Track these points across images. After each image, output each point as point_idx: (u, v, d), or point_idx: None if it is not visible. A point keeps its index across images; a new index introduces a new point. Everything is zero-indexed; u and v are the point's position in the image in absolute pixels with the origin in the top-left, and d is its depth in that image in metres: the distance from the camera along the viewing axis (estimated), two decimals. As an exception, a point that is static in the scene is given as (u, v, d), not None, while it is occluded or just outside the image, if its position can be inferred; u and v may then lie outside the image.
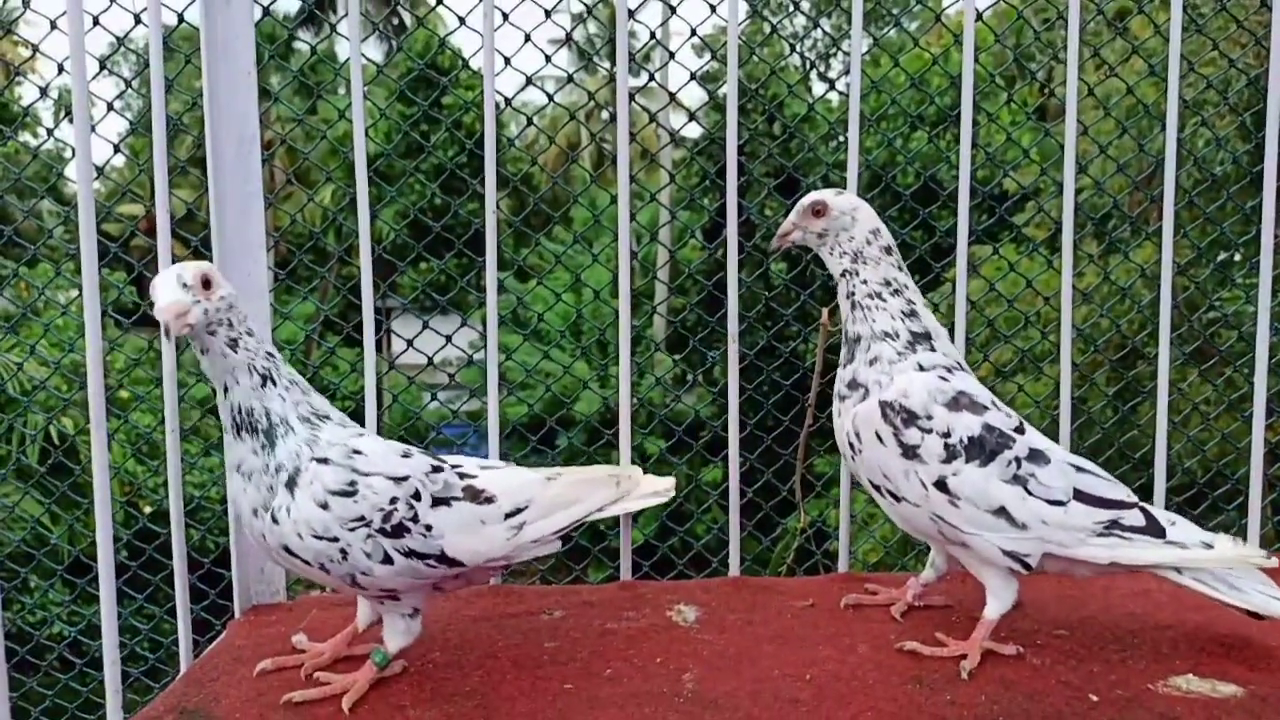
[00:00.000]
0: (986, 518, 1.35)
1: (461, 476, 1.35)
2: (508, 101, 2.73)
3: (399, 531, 1.26)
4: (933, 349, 1.44)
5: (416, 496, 1.29)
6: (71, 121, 1.59)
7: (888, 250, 1.46)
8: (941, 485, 1.36)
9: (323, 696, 1.31)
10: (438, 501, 1.30)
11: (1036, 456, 1.37)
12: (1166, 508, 1.98)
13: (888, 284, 1.45)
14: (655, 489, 1.56)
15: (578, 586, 1.82)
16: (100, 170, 2.18)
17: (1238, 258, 4.04)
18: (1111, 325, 3.61)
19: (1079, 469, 1.39)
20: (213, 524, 3.17)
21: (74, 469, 3.12)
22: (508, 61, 2.48)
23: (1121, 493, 1.39)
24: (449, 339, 2.85)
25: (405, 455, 1.33)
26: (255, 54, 1.67)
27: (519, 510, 1.36)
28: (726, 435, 1.91)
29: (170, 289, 1.20)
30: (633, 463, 1.82)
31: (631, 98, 1.86)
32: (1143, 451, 2.86)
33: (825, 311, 2.12)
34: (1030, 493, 1.35)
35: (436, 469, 1.33)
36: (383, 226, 4.18)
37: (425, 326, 2.82)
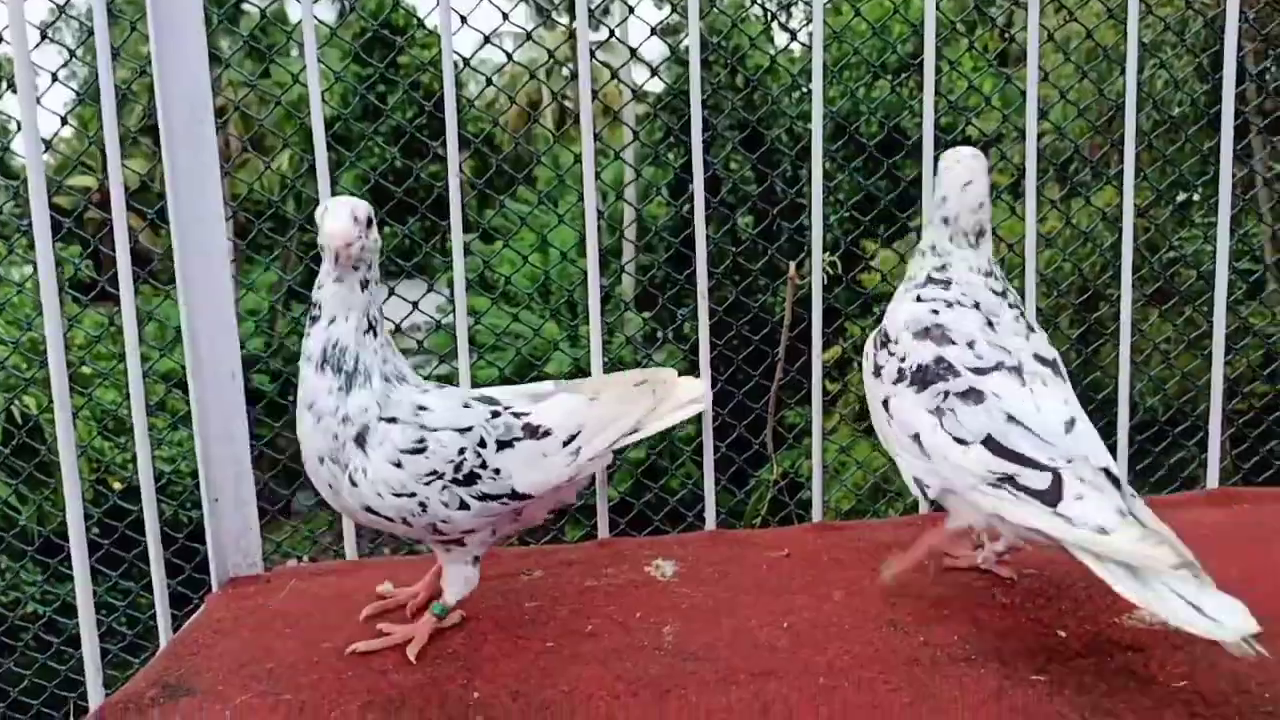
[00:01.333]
0: (907, 441, 1.38)
1: (517, 416, 1.39)
2: (465, 61, 2.68)
3: (471, 479, 1.32)
4: (946, 286, 1.47)
5: (482, 444, 1.34)
6: (15, 92, 1.54)
7: (945, 221, 1.48)
8: (885, 404, 1.42)
9: (384, 647, 1.36)
10: (502, 445, 1.35)
11: (970, 394, 1.33)
12: (1130, 446, 2.03)
13: (933, 247, 1.50)
14: (691, 396, 1.55)
15: (556, 546, 1.83)
16: (48, 143, 2.12)
17: (1196, 198, 4.11)
18: (1074, 269, 3.66)
19: (1016, 421, 1.30)
20: (185, 498, 3.15)
21: (39, 449, 3.08)
22: (464, 20, 2.43)
23: (1048, 454, 1.27)
24: (415, 305, 2.83)
25: (466, 405, 1.37)
26: (204, 17, 1.62)
27: (573, 437, 1.41)
28: (698, 391, 1.92)
29: (344, 218, 1.26)
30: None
31: (592, 54, 1.84)
32: (1105, 392, 2.92)
33: (792, 266, 2.13)
34: (942, 425, 1.34)
35: (495, 413, 1.38)
36: (344, 192, 4.11)
37: (391, 293, 2.79)
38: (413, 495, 1.29)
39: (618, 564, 1.65)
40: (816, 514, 1.95)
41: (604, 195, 5.22)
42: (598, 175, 1.87)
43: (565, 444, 1.40)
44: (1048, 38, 3.08)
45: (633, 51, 2.98)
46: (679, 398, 1.55)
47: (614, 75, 3.03)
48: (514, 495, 1.36)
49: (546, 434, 1.39)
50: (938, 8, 1.89)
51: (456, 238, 1.78)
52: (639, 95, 3.75)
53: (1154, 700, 1.15)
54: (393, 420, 1.30)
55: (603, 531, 1.85)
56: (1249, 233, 3.85)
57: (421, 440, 1.30)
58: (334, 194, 1.74)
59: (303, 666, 1.32)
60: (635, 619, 1.44)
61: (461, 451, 1.32)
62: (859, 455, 3.97)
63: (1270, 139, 3.80)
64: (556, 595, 1.53)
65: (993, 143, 4.07)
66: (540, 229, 3.80)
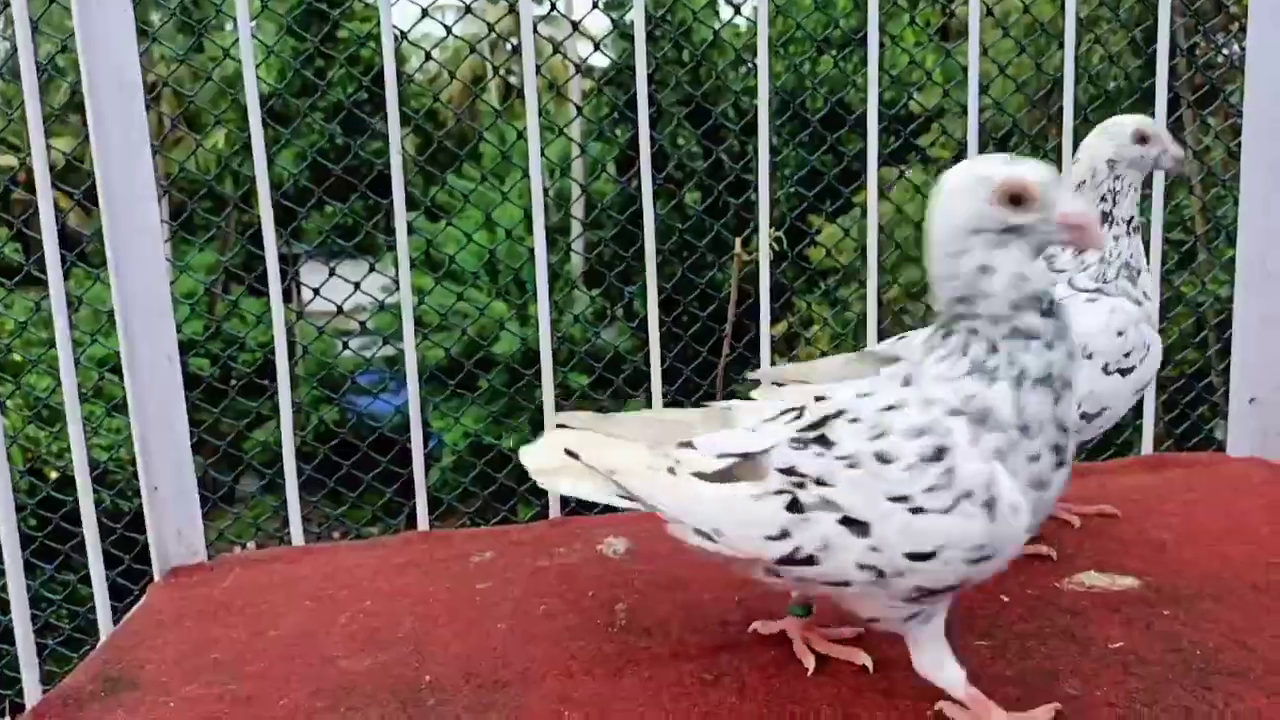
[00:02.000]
0: None
1: None
2: (403, 35, 2.62)
3: None
4: None
5: None
6: (-73, 68, 1.47)
7: None
8: None
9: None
10: None
11: None
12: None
13: None
14: None
15: (507, 527, 1.82)
16: (-35, 120, 2.03)
17: (1130, 172, 4.18)
18: (1013, 243, 3.72)
19: None
20: (124, 486, 3.07)
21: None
22: (403, -8, 2.38)
23: None
24: (358, 285, 2.78)
25: None
26: (129, -11, 1.56)
27: None
28: (647, 369, 1.92)
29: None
30: (557, 401, 1.82)
31: (534, 28, 1.81)
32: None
33: (738, 241, 2.13)
34: None
35: None
36: (282, 170, 4.01)
37: (332, 274, 2.74)
38: None
39: (570, 543, 1.65)
40: (766, 488, 1.96)
41: (550, 172, 5.18)
42: (543, 152, 1.85)
43: None
44: (987, 12, 3.11)
45: (574, 25, 2.95)
46: None
47: (556, 49, 2.99)
48: None
49: None
50: (879, -18, 1.89)
51: (400, 216, 1.75)
52: (583, 70, 3.72)
53: (1093, 662, 1.19)
54: None
55: (554, 511, 1.85)
56: (1180, 204, 3.95)
57: None
58: (270, 173, 1.70)
59: (249, 655, 1.30)
60: (588, 598, 1.44)
61: None
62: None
63: (1200, 113, 3.90)
64: (509, 576, 1.52)
65: (935, 117, 4.12)
66: (485, 206, 3.74)
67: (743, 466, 1.04)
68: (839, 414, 1.01)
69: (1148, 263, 1.53)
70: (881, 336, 1.93)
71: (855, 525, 0.96)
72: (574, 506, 2.61)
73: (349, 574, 1.55)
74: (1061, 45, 1.99)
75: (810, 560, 0.99)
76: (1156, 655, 1.20)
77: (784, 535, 1.00)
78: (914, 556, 0.94)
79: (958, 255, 0.95)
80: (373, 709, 1.16)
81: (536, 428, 1.92)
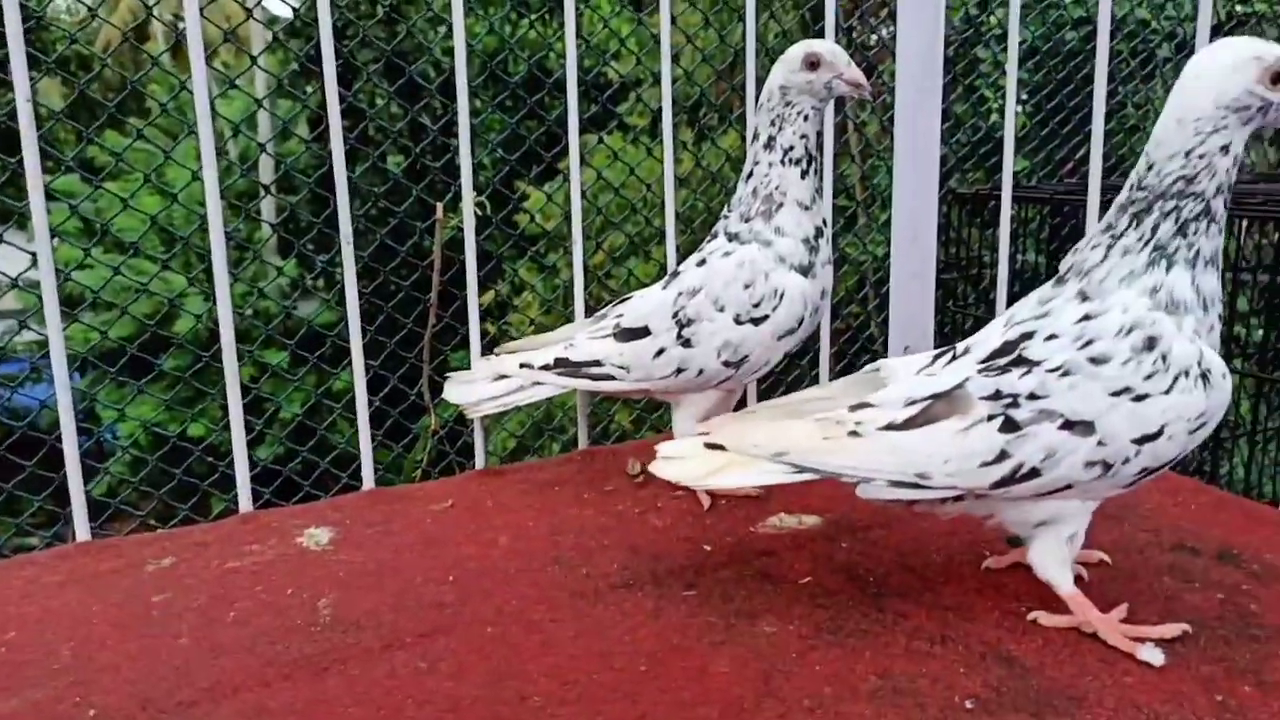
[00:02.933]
0: None
1: None
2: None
3: None
4: None
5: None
6: None
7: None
8: None
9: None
10: None
11: None
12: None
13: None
14: None
15: (189, 528, 1.63)
16: None
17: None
18: (705, 207, 3.94)
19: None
20: None
21: None
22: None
23: None
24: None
25: None
26: None
27: None
28: (348, 344, 1.80)
29: None
30: (251, 379, 1.66)
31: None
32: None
33: (439, 207, 2.05)
34: None
35: None
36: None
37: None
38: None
39: (264, 538, 1.52)
40: (480, 460, 1.93)
41: (232, 131, 4.70)
42: (213, 106, 1.65)
43: None
44: (675, -15, 3.23)
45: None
46: None
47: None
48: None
49: None
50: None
51: (33, 175, 1.49)
52: (259, 18, 3.38)
53: (786, 598, 1.28)
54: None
55: (244, 505, 1.69)
56: (844, 173, 4.36)
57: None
58: None
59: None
60: (286, 596, 1.33)
61: None
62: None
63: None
64: (191, 583, 1.37)
65: (632, 86, 4.22)
66: (147, 167, 3.31)
67: (937, 408, 1.08)
68: (1027, 337, 1.08)
69: (819, 198, 1.56)
70: (589, 302, 1.95)
71: (1079, 426, 1.02)
72: (268, 498, 2.42)
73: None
74: (742, 19, 2.09)
75: (1032, 474, 1.04)
76: (838, 585, 1.31)
77: (1002, 457, 1.04)
78: (1142, 440, 1.01)
79: (1210, 133, 1.00)
80: (21, 758, 0.99)
81: (225, 413, 1.73)
